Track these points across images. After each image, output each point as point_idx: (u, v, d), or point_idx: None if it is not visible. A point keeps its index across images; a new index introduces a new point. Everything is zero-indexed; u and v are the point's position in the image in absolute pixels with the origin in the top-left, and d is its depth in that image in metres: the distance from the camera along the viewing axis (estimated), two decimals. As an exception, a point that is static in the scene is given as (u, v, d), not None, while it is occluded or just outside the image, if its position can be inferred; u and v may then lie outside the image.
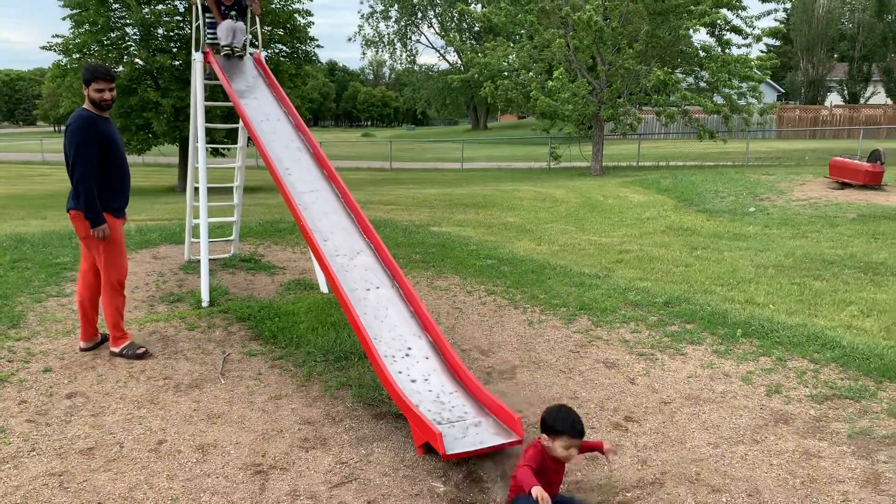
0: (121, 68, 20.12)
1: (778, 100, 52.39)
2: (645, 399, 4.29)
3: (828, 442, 3.73)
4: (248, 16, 6.93)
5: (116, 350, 4.90)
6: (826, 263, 8.18)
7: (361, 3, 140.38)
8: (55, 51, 20.52)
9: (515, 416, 3.60)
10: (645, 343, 5.23)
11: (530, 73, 22.53)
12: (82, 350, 4.97)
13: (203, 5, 6.62)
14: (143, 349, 4.93)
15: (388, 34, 62.30)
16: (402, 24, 61.48)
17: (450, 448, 3.40)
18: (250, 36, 6.87)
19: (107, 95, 4.68)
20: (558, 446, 2.95)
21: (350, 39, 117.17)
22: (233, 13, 6.65)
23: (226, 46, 6.57)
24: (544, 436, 2.99)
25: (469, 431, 3.61)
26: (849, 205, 12.63)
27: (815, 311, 6.23)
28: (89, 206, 4.59)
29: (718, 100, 21.38)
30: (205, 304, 6.03)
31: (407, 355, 4.22)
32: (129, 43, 20.57)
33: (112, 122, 4.88)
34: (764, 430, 3.87)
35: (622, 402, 4.25)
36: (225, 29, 6.53)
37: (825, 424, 3.93)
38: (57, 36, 20.52)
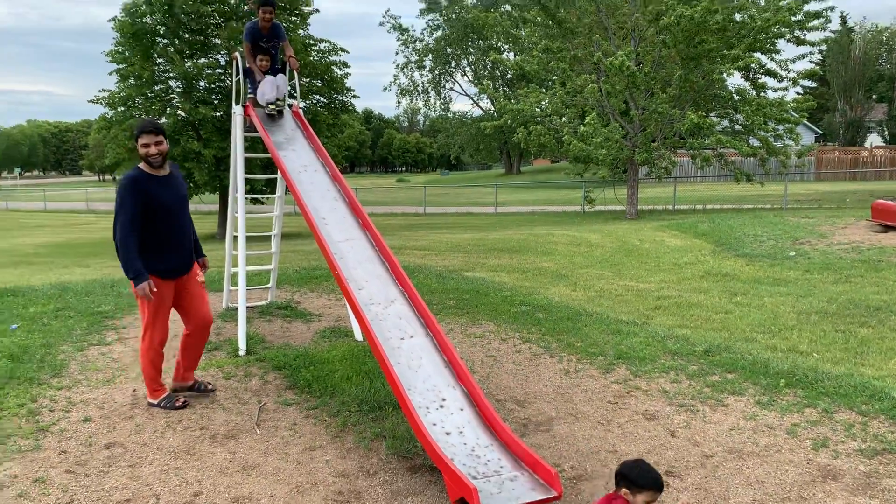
0: (164, 120, 20.76)
1: (816, 141, 51.82)
2: (686, 453, 4.18)
3: (879, 500, 3.58)
4: (287, 70, 7.12)
5: (154, 402, 4.95)
6: (871, 310, 7.96)
7: (396, 53, 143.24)
8: (101, 104, 21.28)
9: (553, 470, 3.53)
10: (685, 394, 5.12)
11: (563, 119, 22.68)
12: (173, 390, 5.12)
13: (245, 68, 6.81)
14: (183, 400, 4.95)
15: (423, 83, 63.43)
16: (436, 73, 62.59)
17: (485, 504, 3.33)
18: (289, 88, 7.03)
19: (152, 150, 4.62)
20: (640, 501, 3.01)
21: (385, 89, 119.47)
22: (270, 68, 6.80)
23: (270, 104, 6.59)
24: (625, 490, 3.03)
25: (505, 486, 3.54)
26: (893, 248, 12.33)
27: (862, 360, 6.04)
28: (125, 265, 4.58)
29: (754, 142, 21.22)
30: (242, 352, 6.08)
31: (441, 406, 4.18)
32: (172, 95, 21.26)
33: (170, 180, 4.78)
34: (811, 487, 3.73)
35: (663, 456, 4.14)
36: (268, 84, 6.63)
37: (876, 481, 3.77)
38: (104, 90, 21.30)
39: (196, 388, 5.19)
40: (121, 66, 20.70)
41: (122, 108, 20.90)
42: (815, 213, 18.49)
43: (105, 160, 23.74)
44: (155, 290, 4.66)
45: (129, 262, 4.55)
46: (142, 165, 4.69)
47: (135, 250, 4.57)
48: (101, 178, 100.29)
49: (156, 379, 4.95)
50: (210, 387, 5.21)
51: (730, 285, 9.78)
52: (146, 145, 4.63)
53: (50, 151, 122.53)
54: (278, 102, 6.68)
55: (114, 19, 20.34)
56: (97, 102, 21.27)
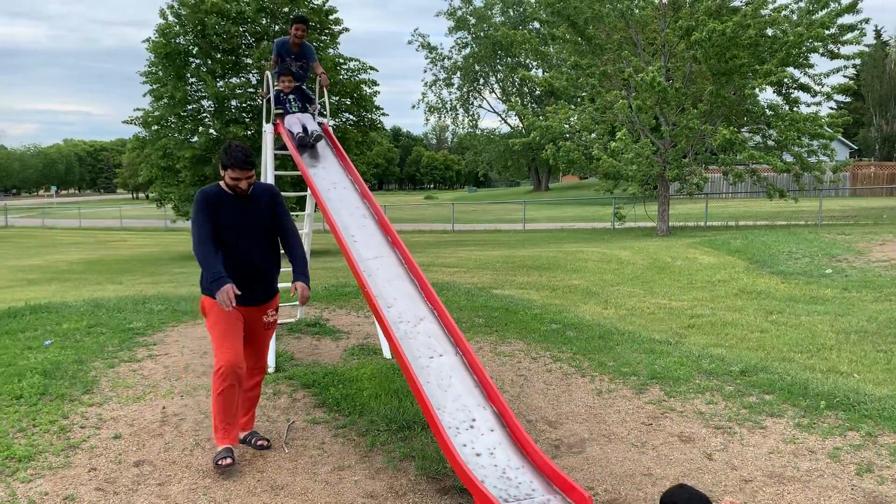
0: (196, 139, 21.06)
1: (851, 157, 50.98)
2: (724, 477, 4.05)
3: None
4: (318, 87, 7.15)
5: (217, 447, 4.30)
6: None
7: (425, 71, 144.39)
8: (135, 123, 21.66)
9: (586, 494, 3.43)
10: (722, 415, 4.98)
11: (592, 135, 22.56)
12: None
13: (275, 86, 6.82)
14: (229, 461, 4.15)
15: (451, 100, 63.82)
16: (465, 90, 62.90)
17: (517, 528, 3.24)
18: (319, 106, 7.05)
19: (242, 185, 4.25)
20: None
21: (414, 107, 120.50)
22: (292, 98, 6.73)
23: (301, 135, 6.51)
24: None
25: (537, 510, 3.45)
26: (934, 265, 12.01)
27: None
28: (203, 272, 4.10)
29: (788, 158, 20.90)
30: (271, 370, 6.07)
31: (471, 427, 4.10)
32: (204, 115, 21.58)
33: (248, 203, 4.36)
34: (857, 515, 3.59)
35: (700, 480, 4.01)
36: (293, 120, 6.63)
37: (926, 509, 3.62)
38: (138, 109, 21.70)
39: (249, 440, 4.55)
40: (154, 85, 21.08)
41: (156, 128, 21.25)
42: (852, 229, 18.12)
43: (139, 178, 24.11)
44: (235, 296, 4.05)
45: (207, 266, 4.06)
46: (222, 184, 4.34)
47: (211, 255, 4.10)
48: (134, 196, 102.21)
49: (221, 419, 4.22)
50: (265, 444, 4.51)
51: (765, 303, 9.58)
52: (236, 179, 4.23)
53: (85, 170, 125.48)
54: (313, 137, 6.57)
55: (148, 40, 20.76)
56: (131, 123, 21.68)
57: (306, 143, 6.50)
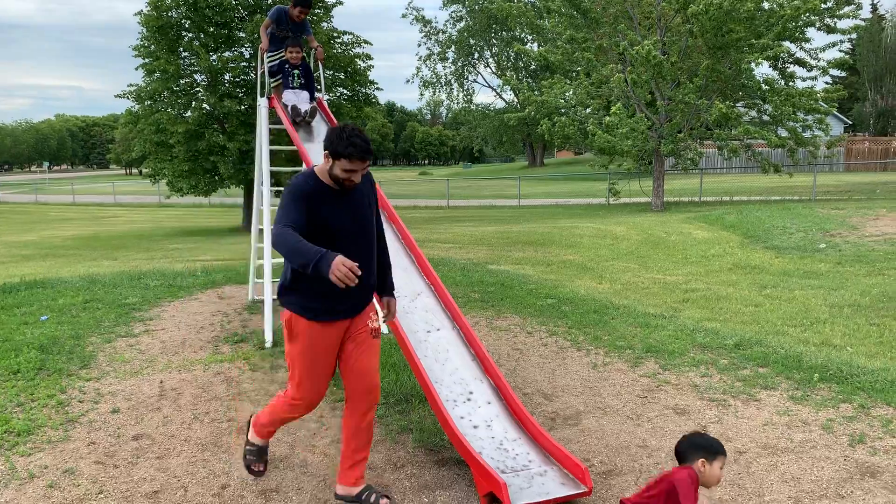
0: (189, 113, 20.90)
1: (845, 132, 50.94)
2: (718, 448, 4.09)
3: (921, 498, 3.48)
4: (312, 60, 7.08)
5: (250, 441, 3.73)
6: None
7: (419, 45, 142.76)
8: (128, 98, 21.47)
9: (583, 465, 3.48)
10: (716, 388, 5.03)
11: (587, 110, 22.48)
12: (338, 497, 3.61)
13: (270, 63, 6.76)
14: (261, 468, 3.74)
15: (446, 75, 63.29)
16: (459, 65, 62.39)
17: (515, 499, 3.29)
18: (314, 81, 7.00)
19: (357, 178, 3.29)
20: (717, 467, 2.94)
21: (408, 81, 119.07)
22: (296, 73, 6.67)
23: (294, 106, 6.51)
24: (702, 461, 2.93)
25: (534, 481, 3.50)
26: (928, 240, 12.08)
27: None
28: (295, 257, 2.95)
29: (783, 133, 20.88)
30: (268, 344, 6.09)
31: (468, 400, 4.14)
32: (197, 89, 21.39)
33: (352, 195, 3.38)
34: (849, 484, 3.64)
35: (694, 451, 4.06)
36: (291, 95, 6.59)
37: (917, 479, 3.67)
38: (131, 85, 21.50)
39: (363, 497, 3.52)
40: (146, 60, 20.86)
41: (149, 103, 21.08)
42: (846, 204, 18.17)
43: (132, 154, 23.95)
44: (337, 305, 3.35)
45: (299, 250, 2.94)
46: (318, 172, 3.34)
47: (298, 236, 3.04)
48: (127, 171, 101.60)
49: (271, 423, 3.66)
50: (388, 501, 3.53)
51: (759, 278, 9.63)
52: (350, 171, 3.25)
53: (78, 146, 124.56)
54: (305, 117, 6.55)
55: (140, 13, 20.51)
56: (124, 97, 21.49)
57: (298, 121, 6.49)
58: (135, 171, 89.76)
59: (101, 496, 3.63)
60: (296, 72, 6.66)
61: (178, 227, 25.01)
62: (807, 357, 5.56)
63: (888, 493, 3.54)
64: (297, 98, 6.60)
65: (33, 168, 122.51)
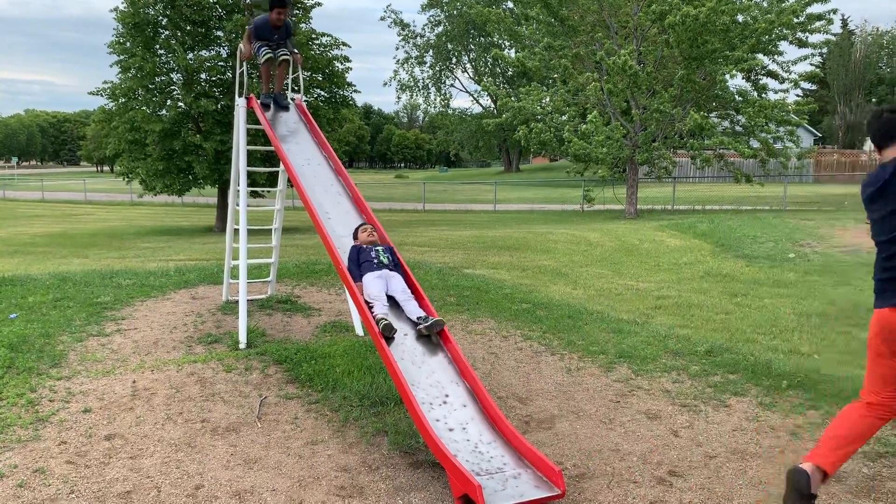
0: (164, 112, 20.67)
1: (815, 144, 51.89)
2: (689, 453, 4.17)
3: (882, 503, 3.57)
4: (291, 64, 7.07)
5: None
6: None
7: (397, 49, 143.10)
8: (102, 95, 21.16)
9: (556, 468, 3.52)
10: (687, 394, 5.11)
11: (564, 117, 22.65)
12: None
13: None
14: None
15: (423, 79, 63.35)
16: (437, 69, 62.49)
17: (489, 501, 3.32)
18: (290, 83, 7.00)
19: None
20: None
21: (385, 84, 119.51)
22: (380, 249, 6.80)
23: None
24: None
25: (509, 484, 3.53)
26: (893, 251, 12.34)
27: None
28: None
29: (755, 144, 21.23)
30: (242, 345, 6.06)
31: (444, 402, 4.16)
32: (173, 88, 21.16)
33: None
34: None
35: (666, 456, 4.13)
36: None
37: (880, 484, 3.77)
38: (106, 82, 21.19)
39: None
40: (122, 57, 20.59)
41: (124, 100, 20.79)
42: (815, 215, 18.51)
43: (106, 151, 23.56)
44: None
45: None
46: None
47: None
48: (99, 169, 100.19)
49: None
50: None
51: (730, 286, 9.77)
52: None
53: (48, 141, 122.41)
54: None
55: (115, 10, 20.24)
56: (98, 94, 21.17)
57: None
58: (106, 168, 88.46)
59: (73, 496, 3.59)
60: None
61: (150, 227, 24.72)
62: (776, 364, 5.67)
63: (852, 497, 3.63)
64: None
65: (1, 163, 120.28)
